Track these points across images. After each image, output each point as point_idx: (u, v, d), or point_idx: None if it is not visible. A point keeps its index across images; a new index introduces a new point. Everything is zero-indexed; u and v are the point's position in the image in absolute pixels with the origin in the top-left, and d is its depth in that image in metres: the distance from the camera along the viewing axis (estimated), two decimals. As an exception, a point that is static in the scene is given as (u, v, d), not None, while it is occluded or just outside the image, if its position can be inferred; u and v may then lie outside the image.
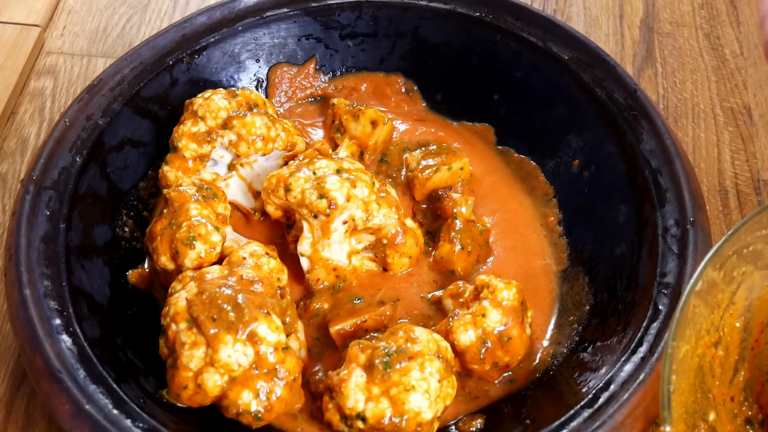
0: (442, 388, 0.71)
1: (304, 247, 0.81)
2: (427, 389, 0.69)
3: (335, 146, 0.93)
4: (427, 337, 0.72)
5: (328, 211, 0.78)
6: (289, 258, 0.83)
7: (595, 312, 0.81)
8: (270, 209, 0.83)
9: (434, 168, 0.89)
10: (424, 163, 0.91)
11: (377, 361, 0.70)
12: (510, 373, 0.79)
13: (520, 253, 0.88)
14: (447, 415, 0.75)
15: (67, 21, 1.13)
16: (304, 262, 0.82)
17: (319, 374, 0.78)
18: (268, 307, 0.71)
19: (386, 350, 0.71)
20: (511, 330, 0.76)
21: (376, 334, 0.77)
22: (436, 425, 0.71)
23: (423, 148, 0.93)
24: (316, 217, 0.79)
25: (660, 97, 1.05)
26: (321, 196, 0.78)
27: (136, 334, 0.78)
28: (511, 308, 0.76)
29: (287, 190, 0.80)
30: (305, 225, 0.81)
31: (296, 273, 0.83)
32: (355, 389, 0.70)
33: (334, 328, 0.79)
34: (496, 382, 0.78)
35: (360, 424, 0.70)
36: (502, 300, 0.76)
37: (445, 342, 0.74)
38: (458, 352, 0.76)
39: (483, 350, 0.75)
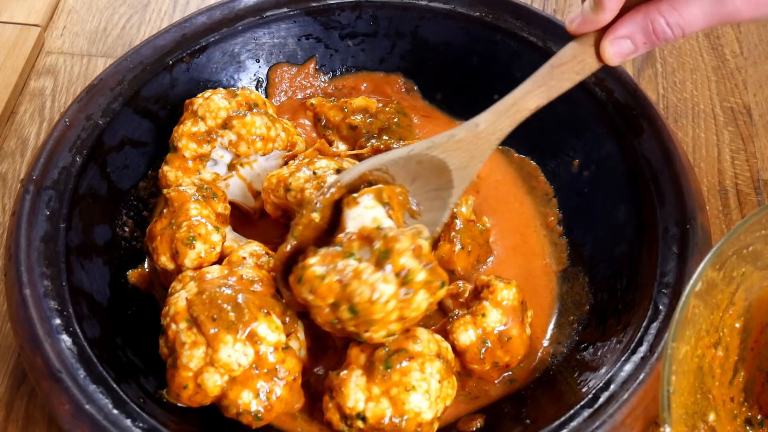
0: (442, 388, 0.71)
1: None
2: (428, 389, 0.69)
3: (330, 144, 0.93)
4: (427, 337, 0.72)
5: (327, 210, 0.78)
6: (289, 258, 0.83)
7: (595, 312, 0.81)
8: (269, 209, 0.83)
9: None
10: None
11: (377, 361, 0.70)
12: (510, 372, 0.79)
13: (520, 252, 0.88)
14: (447, 415, 0.75)
15: (67, 21, 1.13)
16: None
17: (319, 374, 0.78)
18: (268, 307, 0.71)
19: (387, 350, 0.71)
20: (511, 330, 0.76)
21: None
22: (436, 425, 0.71)
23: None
24: (316, 216, 0.79)
25: (660, 97, 1.05)
26: (321, 196, 0.78)
27: (136, 334, 0.78)
28: (511, 308, 0.76)
29: (287, 189, 0.80)
30: (305, 225, 0.81)
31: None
32: (356, 389, 0.70)
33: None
34: (496, 381, 0.78)
35: (360, 423, 0.70)
36: (502, 300, 0.76)
37: (445, 342, 0.74)
38: (458, 352, 0.76)
39: (483, 350, 0.75)
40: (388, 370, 0.69)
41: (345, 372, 0.71)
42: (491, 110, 0.77)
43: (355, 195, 0.72)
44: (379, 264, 0.67)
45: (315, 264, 0.68)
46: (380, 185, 0.73)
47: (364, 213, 0.71)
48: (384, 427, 0.69)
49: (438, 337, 0.74)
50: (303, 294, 0.69)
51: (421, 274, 0.67)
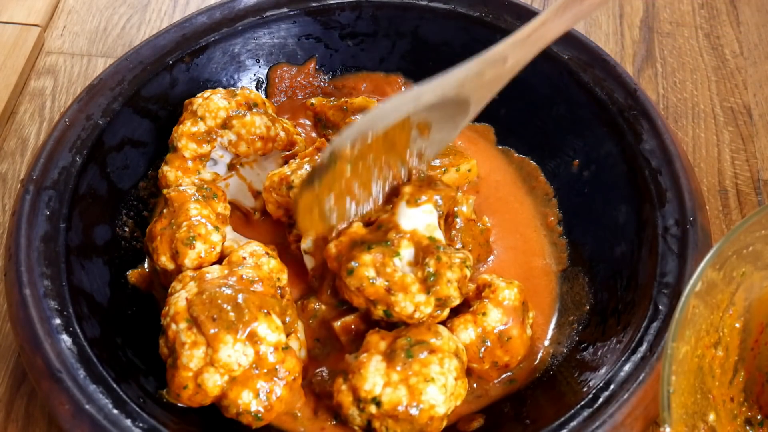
0: (457, 386, 0.71)
1: (307, 243, 0.81)
2: (445, 384, 0.69)
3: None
4: (447, 334, 0.73)
5: (330, 206, 0.78)
6: (289, 258, 0.83)
7: (595, 312, 0.81)
8: (271, 208, 0.83)
9: (442, 169, 0.89)
10: (431, 164, 0.90)
11: (399, 349, 0.70)
12: (510, 372, 0.79)
13: (521, 252, 0.88)
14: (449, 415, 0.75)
15: (67, 21, 1.13)
16: (308, 260, 0.82)
17: (322, 374, 0.78)
18: (268, 307, 0.71)
19: (408, 339, 0.71)
20: (512, 330, 0.76)
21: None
22: (444, 423, 0.71)
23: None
24: (317, 213, 0.79)
25: (660, 97, 1.05)
26: (323, 191, 0.78)
27: (136, 334, 0.78)
28: (511, 308, 0.76)
29: (289, 187, 0.79)
30: (307, 222, 0.81)
31: (296, 273, 0.83)
32: (375, 373, 0.70)
33: (338, 323, 0.79)
34: (495, 381, 0.78)
35: (373, 408, 0.69)
36: (503, 299, 0.76)
37: (461, 344, 0.74)
38: (458, 351, 0.76)
39: (482, 349, 0.75)
40: (410, 359, 0.69)
41: (365, 355, 0.71)
42: (517, 42, 0.74)
43: (417, 197, 0.77)
44: (425, 282, 0.73)
45: (368, 264, 0.73)
46: (444, 190, 0.79)
47: (421, 217, 0.77)
48: (397, 414, 0.69)
49: (455, 337, 0.74)
50: (348, 284, 0.74)
51: (456, 301, 0.75)
